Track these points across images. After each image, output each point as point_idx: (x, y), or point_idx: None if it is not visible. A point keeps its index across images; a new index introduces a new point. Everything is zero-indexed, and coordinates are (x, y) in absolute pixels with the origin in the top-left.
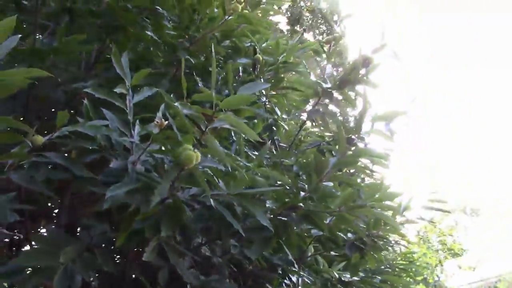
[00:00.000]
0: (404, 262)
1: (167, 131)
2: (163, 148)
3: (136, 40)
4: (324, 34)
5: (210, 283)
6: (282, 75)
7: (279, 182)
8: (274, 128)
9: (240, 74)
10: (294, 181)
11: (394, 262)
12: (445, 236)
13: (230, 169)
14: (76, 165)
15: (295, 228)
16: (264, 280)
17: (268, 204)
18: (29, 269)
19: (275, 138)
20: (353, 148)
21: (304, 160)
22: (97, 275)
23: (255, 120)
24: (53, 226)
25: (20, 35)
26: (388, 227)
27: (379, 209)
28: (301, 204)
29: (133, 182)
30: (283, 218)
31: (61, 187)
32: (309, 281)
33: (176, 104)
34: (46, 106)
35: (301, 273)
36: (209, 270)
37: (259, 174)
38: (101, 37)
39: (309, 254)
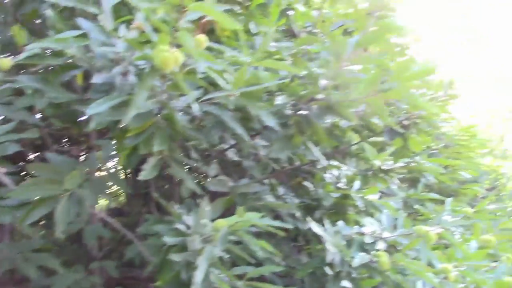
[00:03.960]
0: (463, 137)
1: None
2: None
3: None
4: None
5: (239, 188)
6: None
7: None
8: (290, 13)
9: None
10: (309, 69)
11: (454, 138)
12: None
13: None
14: (52, 87)
15: (319, 121)
16: (305, 175)
17: (281, 100)
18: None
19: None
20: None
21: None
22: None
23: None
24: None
25: None
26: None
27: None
28: (321, 95)
29: (122, 96)
30: (303, 113)
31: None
32: (350, 173)
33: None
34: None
35: (341, 165)
36: (242, 174)
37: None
38: None
39: (353, 143)
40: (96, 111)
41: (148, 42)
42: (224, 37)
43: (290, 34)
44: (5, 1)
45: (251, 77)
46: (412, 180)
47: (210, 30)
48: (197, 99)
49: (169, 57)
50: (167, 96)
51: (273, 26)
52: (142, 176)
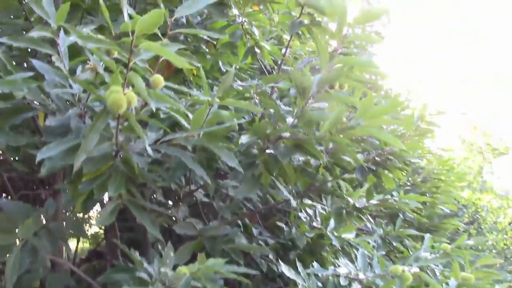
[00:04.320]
0: (442, 171)
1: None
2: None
3: None
4: None
5: (208, 231)
6: None
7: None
8: (257, 51)
9: None
10: (276, 108)
11: (431, 174)
12: (488, 136)
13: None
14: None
15: (285, 160)
16: (281, 215)
17: (245, 139)
18: None
19: (262, 62)
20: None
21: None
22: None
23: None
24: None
25: None
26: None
27: (375, 126)
28: (287, 134)
29: (75, 139)
30: (271, 152)
31: None
32: (324, 212)
33: (83, 38)
34: None
35: (314, 203)
36: (214, 216)
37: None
38: None
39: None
40: (47, 155)
41: (104, 83)
42: (191, 75)
43: (263, 71)
44: None
45: (213, 117)
46: (391, 215)
47: (179, 69)
48: (157, 140)
49: (120, 98)
50: (124, 138)
51: (240, 64)
52: (98, 222)
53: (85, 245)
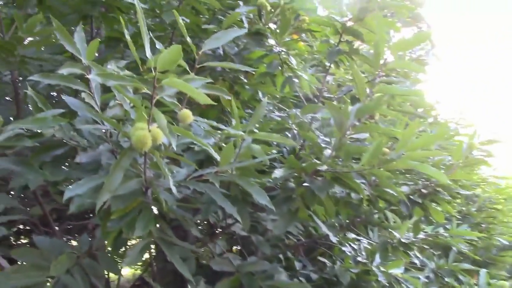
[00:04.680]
0: (499, 200)
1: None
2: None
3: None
4: None
5: (246, 266)
6: (289, 16)
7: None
8: (296, 80)
9: (246, 25)
10: (314, 140)
11: (487, 203)
12: None
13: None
14: (30, 168)
15: (322, 194)
16: (323, 248)
17: (280, 173)
18: None
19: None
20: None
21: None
22: None
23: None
24: (43, 236)
25: None
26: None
27: (416, 159)
28: (325, 167)
29: (104, 176)
30: (307, 185)
31: None
32: (369, 246)
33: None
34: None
35: (358, 237)
36: (256, 249)
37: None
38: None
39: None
40: (75, 192)
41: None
42: (228, 106)
43: (306, 99)
44: None
45: (245, 151)
46: (444, 247)
47: (216, 100)
48: (188, 176)
49: (144, 135)
50: (154, 174)
51: (278, 93)
52: (126, 263)
53: (137, 271)
